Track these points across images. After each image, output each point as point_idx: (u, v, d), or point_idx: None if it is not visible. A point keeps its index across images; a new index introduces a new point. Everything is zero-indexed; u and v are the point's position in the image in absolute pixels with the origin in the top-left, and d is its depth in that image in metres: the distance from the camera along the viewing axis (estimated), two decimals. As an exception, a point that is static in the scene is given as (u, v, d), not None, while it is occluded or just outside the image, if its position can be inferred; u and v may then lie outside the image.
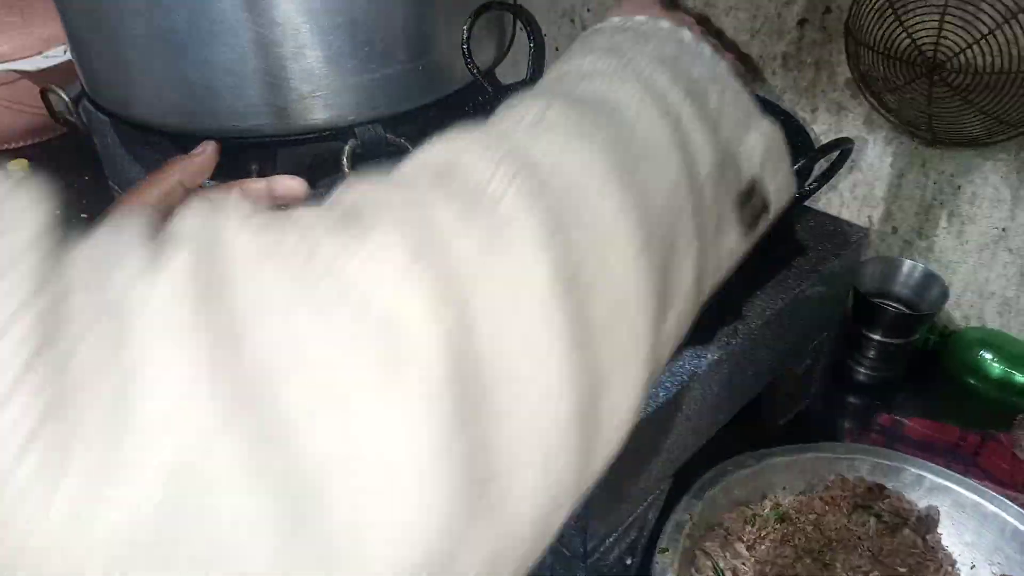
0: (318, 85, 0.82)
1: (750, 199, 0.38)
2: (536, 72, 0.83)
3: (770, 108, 0.77)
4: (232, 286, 0.25)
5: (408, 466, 0.25)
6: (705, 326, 0.68)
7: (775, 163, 0.40)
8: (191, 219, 0.28)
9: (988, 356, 0.93)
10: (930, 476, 0.77)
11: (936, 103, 0.85)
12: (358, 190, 0.31)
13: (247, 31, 0.79)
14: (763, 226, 0.40)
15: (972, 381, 0.94)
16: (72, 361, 0.22)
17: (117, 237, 0.26)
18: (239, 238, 0.26)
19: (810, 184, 0.57)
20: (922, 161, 0.93)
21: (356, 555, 0.24)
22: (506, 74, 1.17)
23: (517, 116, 0.35)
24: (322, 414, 0.24)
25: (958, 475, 0.76)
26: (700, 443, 0.72)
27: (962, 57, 0.81)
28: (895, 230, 0.98)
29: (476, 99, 0.79)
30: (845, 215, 1.01)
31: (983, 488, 0.75)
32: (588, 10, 1.16)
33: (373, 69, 0.81)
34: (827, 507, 0.79)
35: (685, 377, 0.63)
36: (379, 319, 0.25)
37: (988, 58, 0.80)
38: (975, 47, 0.80)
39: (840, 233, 0.79)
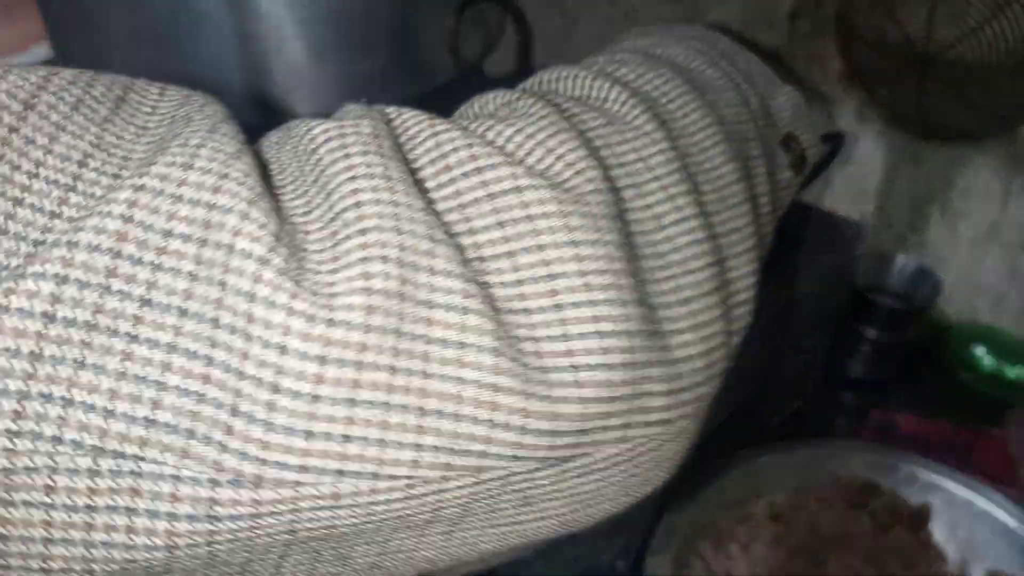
0: (302, 78, 0.80)
1: (790, 147, 0.41)
2: (523, 66, 0.82)
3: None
4: (421, 139, 0.32)
5: (598, 288, 0.27)
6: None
7: (803, 121, 0.43)
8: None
9: (980, 351, 0.93)
10: (923, 472, 0.76)
11: (928, 97, 0.84)
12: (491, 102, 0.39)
13: (229, 24, 0.77)
14: (805, 174, 0.44)
15: (965, 376, 0.93)
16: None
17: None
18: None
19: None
20: (913, 155, 0.92)
21: (564, 378, 0.26)
22: (496, 68, 1.16)
23: (591, 60, 0.40)
24: (513, 244, 0.27)
25: (951, 471, 0.75)
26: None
27: (953, 51, 0.80)
28: (888, 225, 0.98)
29: (462, 92, 0.77)
30: (839, 210, 1.00)
31: (976, 484, 0.74)
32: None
33: (357, 61, 0.80)
34: (821, 506, 0.78)
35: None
36: (543, 166, 0.30)
37: (979, 51, 0.79)
38: (966, 40, 0.79)
39: (835, 228, 0.78)
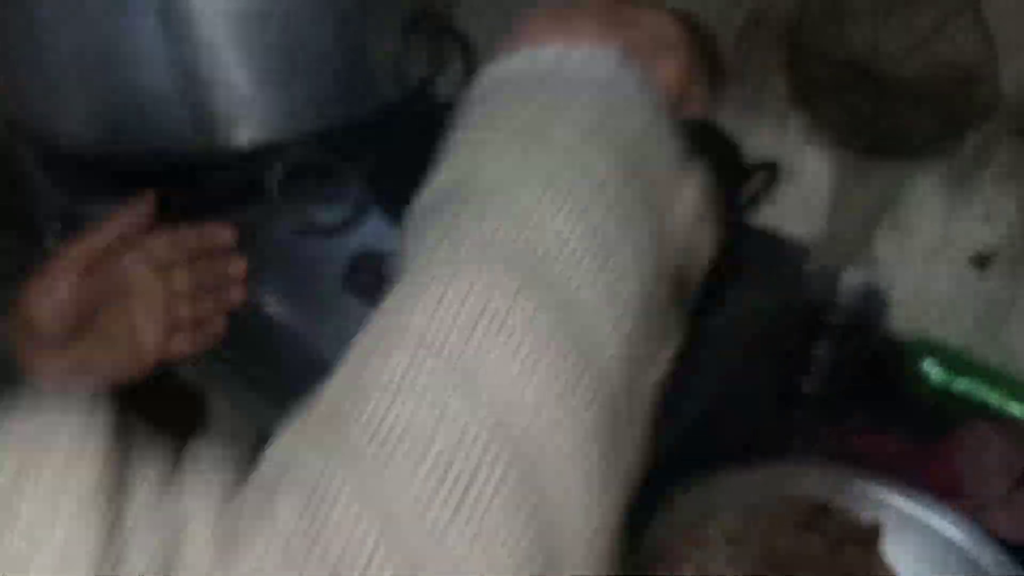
0: (243, 104, 0.79)
1: (679, 284, 0.35)
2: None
3: (697, 126, 0.76)
4: None
5: None
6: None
7: (699, 232, 0.37)
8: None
9: (929, 365, 0.94)
10: (874, 491, 0.77)
11: (875, 113, 0.85)
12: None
13: (168, 53, 0.76)
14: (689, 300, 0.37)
15: (915, 390, 0.94)
16: None
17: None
18: None
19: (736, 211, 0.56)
20: (860, 171, 0.93)
21: None
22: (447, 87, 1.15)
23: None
24: None
25: (901, 488, 0.76)
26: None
27: (901, 66, 0.81)
28: (836, 241, 0.99)
29: (410, 115, 0.77)
30: (786, 227, 1.01)
31: (926, 502, 0.75)
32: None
33: (301, 87, 0.79)
34: (773, 527, 0.78)
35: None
36: None
37: (925, 66, 0.80)
38: (913, 55, 0.80)
39: (780, 249, 0.78)
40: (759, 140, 0.99)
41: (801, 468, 0.79)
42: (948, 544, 0.73)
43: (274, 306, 0.76)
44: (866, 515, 0.77)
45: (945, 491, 0.79)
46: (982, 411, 0.89)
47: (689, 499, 0.76)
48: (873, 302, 0.92)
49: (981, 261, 0.88)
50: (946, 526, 0.74)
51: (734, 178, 0.54)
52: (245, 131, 0.80)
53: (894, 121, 0.84)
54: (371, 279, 0.74)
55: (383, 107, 0.83)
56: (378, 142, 0.73)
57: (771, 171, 0.59)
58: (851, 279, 0.94)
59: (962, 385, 0.92)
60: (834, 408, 0.95)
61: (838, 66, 0.84)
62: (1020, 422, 0.86)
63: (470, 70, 0.85)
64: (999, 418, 0.87)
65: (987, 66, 0.76)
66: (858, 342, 0.92)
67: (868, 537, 0.76)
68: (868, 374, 0.96)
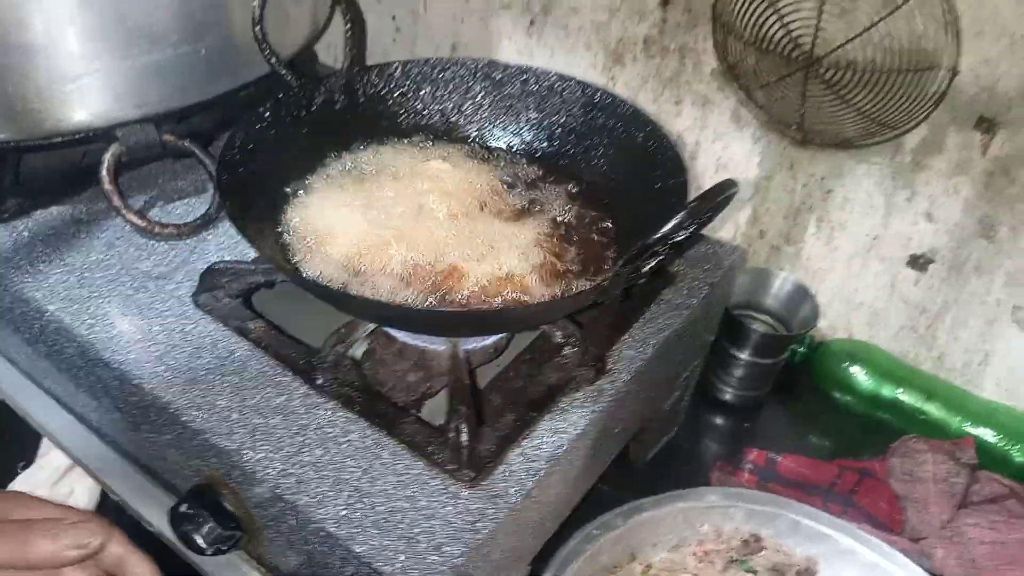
0: (69, 77, 0.63)
1: None
2: (355, 60, 0.68)
3: (636, 120, 0.66)
4: None
5: None
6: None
7: None
8: None
9: (856, 370, 0.88)
10: (807, 522, 0.70)
11: (810, 101, 0.76)
12: None
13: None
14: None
15: (840, 395, 0.88)
16: None
17: None
18: None
19: (686, 232, 0.46)
20: (791, 162, 0.85)
21: None
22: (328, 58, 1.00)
23: None
24: None
25: (836, 519, 0.69)
26: (561, 520, 0.60)
27: (841, 52, 0.72)
28: (762, 234, 0.91)
29: (277, 93, 0.62)
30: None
31: (861, 534, 0.68)
32: (423, 9, 1.00)
33: (139, 56, 0.63)
34: (700, 564, 0.70)
35: (542, 464, 0.51)
36: None
37: (867, 54, 0.72)
38: (855, 41, 0.71)
39: (713, 256, 0.69)
40: (684, 120, 0.89)
41: (730, 497, 0.71)
42: (887, 578, 0.67)
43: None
44: (799, 547, 0.70)
45: (882, 519, 0.73)
46: (913, 419, 0.84)
47: (609, 539, 0.67)
48: (802, 306, 0.85)
49: (919, 263, 0.81)
50: (882, 560, 0.67)
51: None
52: (71, 109, 0.64)
53: (829, 111, 0.76)
54: (224, 296, 0.60)
55: (246, 81, 0.68)
56: (239, 122, 0.59)
57: (729, 191, 0.49)
58: (780, 281, 0.86)
59: (891, 392, 0.86)
60: (756, 415, 0.89)
61: (771, 48, 0.75)
62: (956, 435, 0.81)
63: (356, 36, 0.71)
64: (933, 432, 0.82)
65: (945, 53, 0.68)
66: (782, 350, 0.84)
67: (805, 572, 0.69)
68: (791, 376, 0.89)
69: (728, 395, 0.88)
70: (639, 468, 0.81)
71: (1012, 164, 0.72)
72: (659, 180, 0.58)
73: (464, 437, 0.49)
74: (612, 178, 0.64)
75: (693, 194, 0.65)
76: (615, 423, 0.60)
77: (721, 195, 0.45)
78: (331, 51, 1.01)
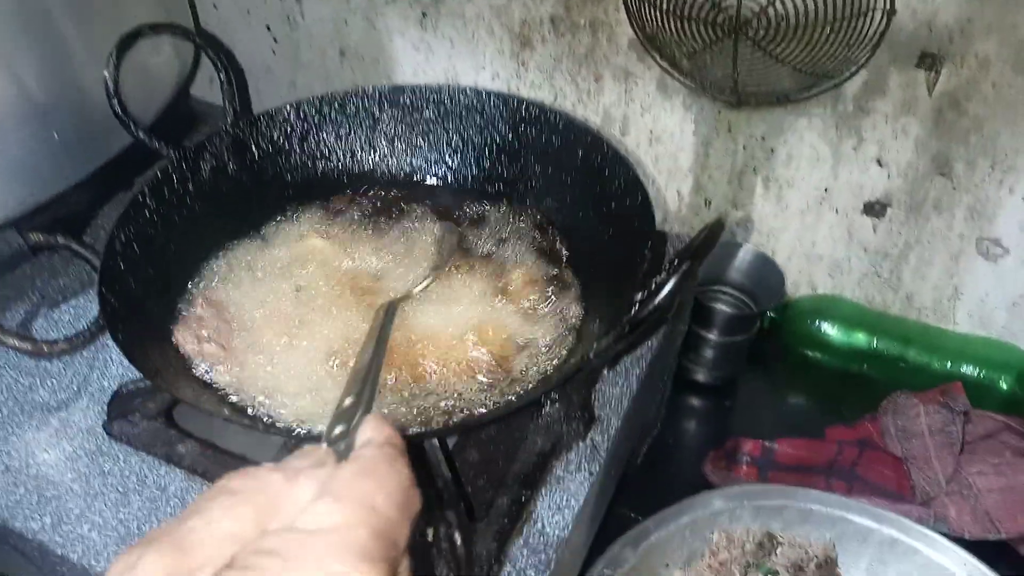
0: None
1: None
2: (237, 116, 0.58)
3: (572, 131, 0.58)
4: None
5: None
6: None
7: None
8: None
9: (825, 324, 0.84)
10: (816, 507, 0.67)
11: (742, 64, 0.71)
12: None
13: None
14: None
15: (813, 353, 0.85)
16: None
17: None
18: None
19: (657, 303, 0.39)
20: (728, 125, 0.79)
21: None
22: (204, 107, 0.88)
23: None
24: None
25: (845, 500, 0.66)
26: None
27: (770, 10, 0.66)
28: (708, 203, 0.86)
29: (146, 163, 0.53)
30: (652, 192, 0.86)
31: (874, 510, 0.65)
32: (300, 16, 0.89)
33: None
34: (720, 574, 0.66)
35: (551, 552, 0.45)
36: None
37: (799, 7, 0.66)
38: (781, -2, 0.65)
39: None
40: (607, 97, 0.82)
41: (733, 497, 0.67)
42: (906, 551, 0.65)
43: None
44: (813, 535, 0.67)
45: (890, 489, 0.70)
46: (892, 366, 0.82)
47: (626, 570, 0.62)
48: (768, 278, 0.80)
49: (875, 209, 0.77)
50: (899, 533, 0.65)
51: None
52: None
53: (760, 68, 0.70)
54: (141, 419, 0.51)
55: (110, 157, 0.58)
56: (111, 200, 0.50)
57: (716, 228, 0.43)
58: (744, 252, 0.82)
59: (865, 341, 0.83)
60: (732, 391, 0.85)
61: (692, 17, 0.68)
62: (939, 377, 0.78)
63: (233, 88, 0.61)
64: (915, 376, 0.79)
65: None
66: (750, 327, 0.80)
67: (824, 567, 0.66)
68: (761, 341, 0.85)
69: (704, 376, 0.84)
70: (631, 472, 0.76)
71: (961, 96, 0.68)
72: (612, 199, 0.51)
73: (459, 547, 0.43)
74: (558, 200, 0.57)
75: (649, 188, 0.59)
76: (613, 466, 0.54)
77: (711, 246, 0.38)
78: (202, 84, 0.89)
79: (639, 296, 0.40)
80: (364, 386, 0.38)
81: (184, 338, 0.51)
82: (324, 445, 0.35)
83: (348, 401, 0.38)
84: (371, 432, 0.35)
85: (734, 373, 0.85)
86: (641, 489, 0.74)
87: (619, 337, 0.39)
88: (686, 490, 0.68)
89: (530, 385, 0.47)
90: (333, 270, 0.56)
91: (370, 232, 0.59)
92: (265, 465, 0.34)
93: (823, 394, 0.84)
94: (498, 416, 0.47)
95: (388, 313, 0.47)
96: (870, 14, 0.65)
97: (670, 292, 0.37)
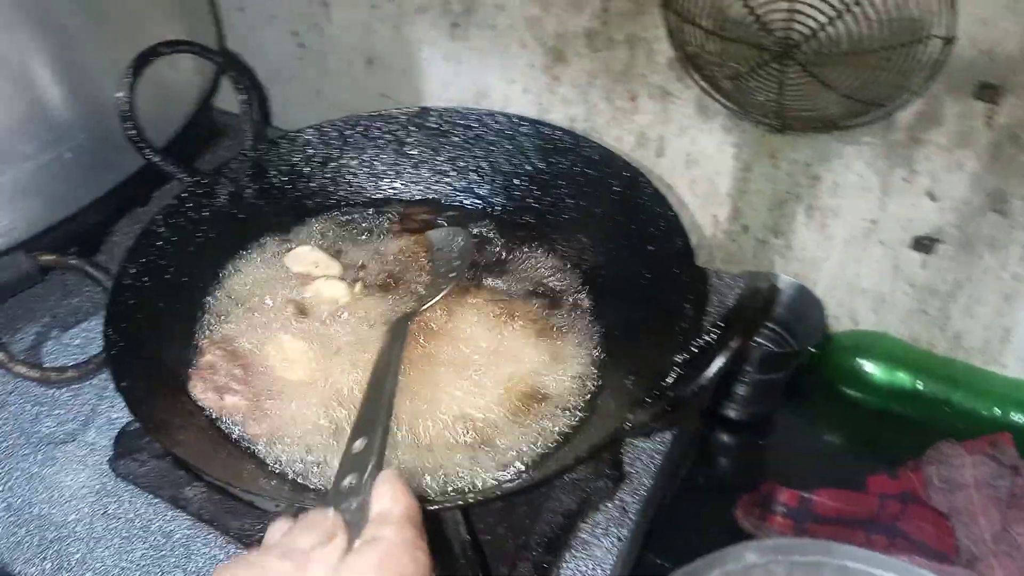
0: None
1: None
2: (258, 138, 0.55)
3: (609, 164, 0.54)
4: None
5: None
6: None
7: None
8: None
9: (866, 361, 0.80)
10: (855, 566, 0.63)
11: (787, 87, 0.67)
12: None
13: None
14: None
15: (852, 391, 0.81)
16: None
17: None
18: None
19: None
20: (770, 150, 0.75)
21: None
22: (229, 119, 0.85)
23: None
24: None
25: (886, 558, 0.62)
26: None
27: (821, 34, 0.62)
28: (746, 229, 0.82)
29: (163, 179, 0.51)
30: (686, 217, 0.83)
31: (917, 571, 0.61)
32: (328, 22, 0.87)
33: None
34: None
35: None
36: None
37: (845, 29, 0.62)
38: (834, 23, 0.61)
39: (715, 289, 0.60)
40: (642, 116, 0.79)
41: (767, 551, 0.64)
42: (949, 615, 0.61)
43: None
44: (851, 593, 0.64)
45: (933, 546, 0.66)
46: (936, 409, 0.77)
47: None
48: (809, 311, 0.76)
49: (925, 244, 0.73)
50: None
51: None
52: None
53: (807, 93, 0.67)
54: (149, 457, 0.49)
55: (123, 179, 0.55)
56: (119, 225, 0.48)
57: (769, 294, 0.40)
58: (783, 284, 0.77)
59: (907, 381, 0.79)
60: (766, 429, 0.81)
61: (736, 34, 0.65)
62: (985, 422, 0.74)
63: (254, 109, 0.58)
64: (959, 420, 0.75)
65: (937, 19, 0.59)
66: (788, 364, 0.76)
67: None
68: (802, 380, 0.81)
69: (737, 413, 0.80)
70: (659, 513, 0.73)
71: (1021, 131, 0.64)
72: (650, 241, 0.48)
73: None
74: (590, 236, 0.53)
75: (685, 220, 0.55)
76: (643, 525, 0.51)
77: (764, 318, 0.35)
78: (227, 94, 0.87)
79: (679, 358, 0.37)
80: (376, 426, 0.35)
81: (201, 392, 0.48)
82: (331, 512, 0.33)
83: (358, 445, 0.35)
84: (388, 502, 0.32)
85: (769, 410, 0.81)
86: (668, 531, 0.71)
87: (658, 416, 0.36)
88: (715, 534, 0.64)
89: (552, 444, 0.44)
90: (350, 299, 0.53)
91: (390, 258, 0.56)
92: (270, 549, 0.31)
93: (862, 435, 0.80)
94: (523, 488, 0.44)
95: (396, 332, 0.44)
96: (927, 41, 0.61)
97: (717, 372, 0.34)
